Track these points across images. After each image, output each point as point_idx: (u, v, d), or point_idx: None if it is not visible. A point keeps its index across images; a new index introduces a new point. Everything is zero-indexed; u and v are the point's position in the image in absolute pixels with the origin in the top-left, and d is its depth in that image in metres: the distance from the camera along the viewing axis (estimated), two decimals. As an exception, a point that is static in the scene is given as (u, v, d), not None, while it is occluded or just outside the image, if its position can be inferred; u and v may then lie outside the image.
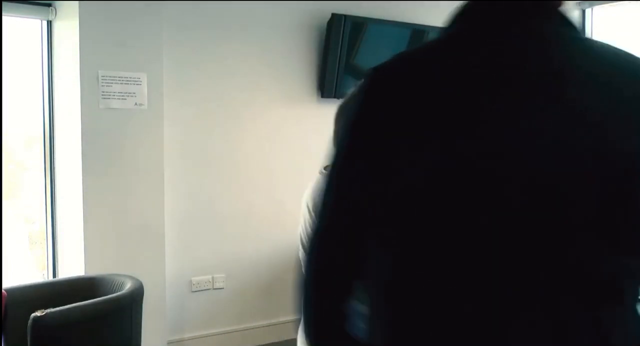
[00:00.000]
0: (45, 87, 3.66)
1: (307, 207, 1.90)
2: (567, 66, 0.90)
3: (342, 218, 0.97)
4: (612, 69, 0.93)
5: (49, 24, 3.65)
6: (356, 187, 0.94)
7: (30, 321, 2.46)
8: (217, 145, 4.14)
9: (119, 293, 2.85)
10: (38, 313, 2.47)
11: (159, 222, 3.71)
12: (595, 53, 0.95)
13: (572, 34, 0.95)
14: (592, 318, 0.85)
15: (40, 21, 3.64)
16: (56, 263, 3.72)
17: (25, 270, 3.94)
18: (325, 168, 1.79)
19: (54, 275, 3.71)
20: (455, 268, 0.87)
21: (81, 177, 3.46)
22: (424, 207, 0.88)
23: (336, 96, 4.47)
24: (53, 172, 3.70)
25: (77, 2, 3.43)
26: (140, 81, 3.59)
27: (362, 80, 0.99)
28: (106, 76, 3.50)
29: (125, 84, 3.54)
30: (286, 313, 4.11)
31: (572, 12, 4.76)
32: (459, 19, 1.05)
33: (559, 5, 0.96)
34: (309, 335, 1.02)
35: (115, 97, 3.52)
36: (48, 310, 2.50)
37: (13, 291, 2.89)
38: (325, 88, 4.43)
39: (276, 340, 4.14)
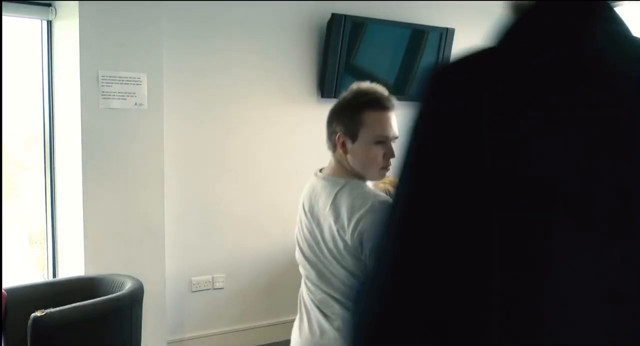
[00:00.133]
0: (45, 87, 3.66)
1: (303, 207, 1.87)
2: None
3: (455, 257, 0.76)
4: None
5: (49, 24, 3.65)
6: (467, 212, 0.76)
7: (30, 321, 2.46)
8: (217, 145, 4.14)
9: (119, 293, 2.85)
10: (38, 313, 2.47)
11: (159, 222, 3.71)
12: None
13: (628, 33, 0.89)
14: None
15: (40, 21, 3.64)
16: (56, 263, 3.72)
17: (25, 270, 3.94)
18: (341, 182, 1.75)
19: (54, 275, 3.71)
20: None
21: (81, 177, 3.46)
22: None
23: (336, 96, 4.45)
24: (53, 172, 3.70)
25: (77, 2, 3.43)
26: (140, 81, 3.59)
27: (429, 84, 0.87)
28: (106, 76, 3.50)
29: (125, 84, 3.54)
30: (286, 313, 4.11)
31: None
32: (523, 21, 0.94)
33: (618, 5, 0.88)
34: None
35: (115, 97, 3.52)
36: (48, 310, 2.50)
37: (13, 291, 2.89)
38: (325, 88, 4.43)
39: (276, 340, 4.14)
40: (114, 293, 2.89)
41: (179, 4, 3.92)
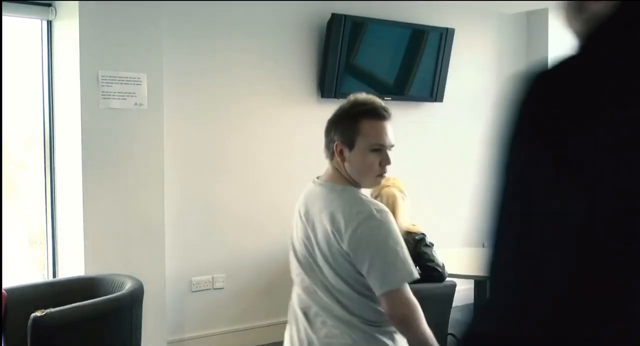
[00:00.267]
0: (45, 87, 3.65)
1: (299, 213, 1.90)
2: None
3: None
4: None
5: (49, 24, 3.65)
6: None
7: (30, 321, 2.46)
8: (217, 145, 4.14)
9: (119, 293, 2.85)
10: (38, 313, 2.47)
11: (159, 222, 3.71)
12: None
13: None
14: None
15: (40, 21, 3.64)
16: (56, 263, 3.72)
17: (25, 270, 3.94)
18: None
19: (54, 275, 3.71)
20: None
21: (81, 177, 3.46)
22: None
23: (336, 96, 4.47)
24: (53, 172, 3.70)
25: (77, 2, 3.43)
26: (140, 81, 3.59)
27: (526, 89, 0.83)
28: (106, 76, 3.49)
29: (125, 84, 3.54)
30: (286, 313, 4.11)
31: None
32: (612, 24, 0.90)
33: None
34: None
35: (115, 97, 3.52)
36: (48, 310, 2.50)
37: (13, 291, 2.88)
38: (325, 88, 4.43)
39: (276, 340, 4.12)
40: (114, 293, 2.89)
41: (179, 4, 3.92)
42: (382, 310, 1.75)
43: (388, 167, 1.83)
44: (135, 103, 3.59)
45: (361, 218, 1.71)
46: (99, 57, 3.48)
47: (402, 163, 4.89)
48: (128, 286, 2.91)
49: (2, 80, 3.16)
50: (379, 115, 1.81)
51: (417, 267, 3.22)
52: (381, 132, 1.81)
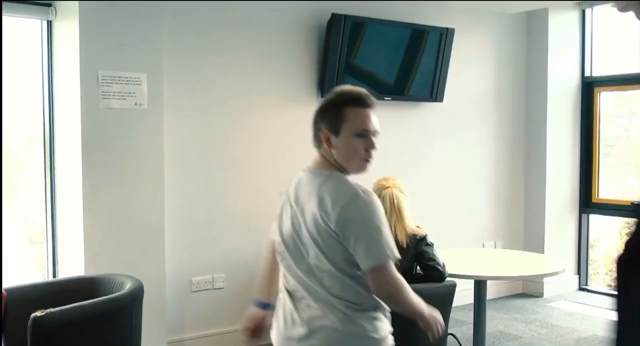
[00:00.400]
0: (45, 87, 3.65)
1: (289, 199, 1.97)
2: None
3: None
4: None
5: (49, 24, 3.65)
6: None
7: (30, 321, 2.46)
8: (217, 145, 4.14)
9: (119, 293, 2.85)
10: (38, 313, 2.47)
11: (159, 222, 3.71)
12: None
13: None
14: None
15: (40, 21, 3.64)
16: (56, 263, 3.72)
17: (25, 270, 3.94)
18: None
19: (54, 275, 3.71)
20: None
21: (81, 177, 3.46)
22: None
23: (336, 96, 4.47)
24: (53, 172, 3.70)
25: (77, 2, 3.43)
26: (140, 81, 3.59)
27: None
28: (106, 76, 3.49)
29: (125, 84, 3.54)
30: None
31: (572, 12, 4.74)
32: None
33: None
34: None
35: (115, 97, 3.52)
36: (48, 310, 2.50)
37: (13, 291, 2.88)
38: (325, 88, 4.42)
39: (276, 340, 4.13)
40: (114, 293, 2.89)
41: (179, 4, 3.92)
42: (365, 292, 1.83)
43: (374, 153, 1.93)
44: (135, 103, 3.59)
45: (347, 198, 1.80)
46: (99, 57, 3.48)
47: (402, 163, 4.93)
48: (128, 286, 2.91)
49: (2, 80, 3.16)
50: (363, 102, 1.91)
51: (418, 266, 3.24)
52: (365, 119, 1.91)
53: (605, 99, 5.68)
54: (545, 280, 5.45)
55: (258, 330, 2.09)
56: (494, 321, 4.83)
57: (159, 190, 3.70)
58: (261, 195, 4.24)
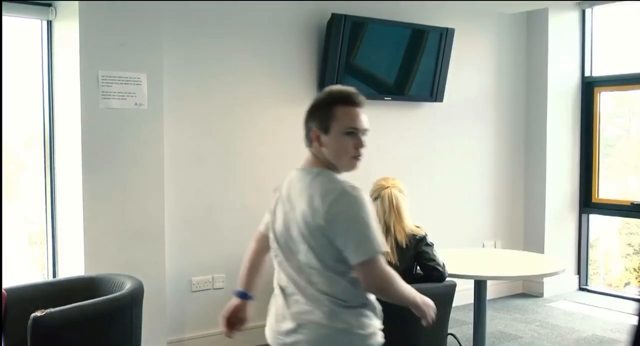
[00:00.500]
0: (45, 87, 3.65)
1: (282, 196, 2.02)
2: None
3: None
4: None
5: (49, 24, 3.65)
6: None
7: (30, 321, 2.46)
8: (217, 145, 4.14)
9: (119, 293, 2.85)
10: (38, 313, 2.47)
11: (159, 222, 3.71)
12: None
13: None
14: None
15: (40, 21, 3.64)
16: (56, 263, 3.72)
17: (25, 270, 3.94)
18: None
19: (54, 275, 3.71)
20: None
21: (81, 177, 3.46)
22: None
23: (336, 96, 4.46)
24: (53, 172, 3.70)
25: (77, 2, 3.43)
26: (140, 81, 3.59)
27: None
28: (106, 76, 3.49)
29: (125, 84, 3.54)
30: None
31: (572, 12, 4.75)
32: None
33: None
34: None
35: (115, 97, 3.52)
36: (48, 310, 2.50)
37: (13, 291, 2.88)
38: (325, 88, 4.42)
39: (276, 340, 4.13)
40: (114, 293, 2.89)
41: (179, 4, 3.92)
42: (353, 289, 1.86)
43: (363, 151, 1.94)
44: (135, 103, 3.59)
45: (335, 194, 1.84)
46: (99, 57, 3.48)
47: (402, 163, 4.93)
48: (128, 286, 2.91)
49: (2, 80, 3.16)
50: (351, 101, 1.94)
51: (418, 266, 3.24)
52: (354, 117, 1.93)
53: (605, 99, 5.68)
54: (545, 280, 5.45)
55: (236, 320, 2.19)
56: (494, 321, 4.83)
57: (159, 190, 3.70)
58: (261, 195, 4.23)
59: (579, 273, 5.76)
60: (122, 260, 3.52)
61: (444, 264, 3.18)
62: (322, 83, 4.43)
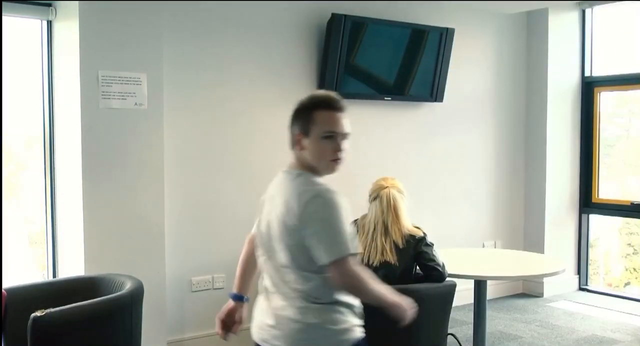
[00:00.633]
0: (45, 87, 3.65)
1: (268, 198, 2.13)
2: None
3: None
4: None
5: (49, 24, 3.65)
6: None
7: (30, 321, 2.46)
8: (217, 145, 4.14)
9: (119, 293, 2.85)
10: (38, 313, 2.47)
11: (159, 222, 3.71)
12: None
13: None
14: None
15: (40, 21, 3.64)
16: (56, 263, 3.72)
17: (25, 270, 3.94)
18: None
19: (54, 275, 3.71)
20: None
21: (81, 177, 3.46)
22: None
23: (336, 96, 4.46)
24: (53, 172, 3.70)
25: (77, 2, 3.43)
26: (140, 81, 3.59)
27: None
28: (106, 76, 3.49)
29: (125, 84, 3.54)
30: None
31: (572, 12, 4.75)
32: None
33: None
34: None
35: (115, 97, 3.52)
36: (48, 310, 2.50)
37: (13, 291, 2.89)
38: (325, 88, 4.39)
39: (276, 340, 4.13)
40: (114, 293, 2.89)
41: (179, 4, 3.92)
42: (325, 287, 1.91)
43: (342, 154, 1.99)
44: (135, 103, 3.59)
45: (310, 195, 1.90)
46: (99, 57, 3.48)
47: (402, 163, 4.92)
48: (128, 286, 2.91)
49: (2, 80, 3.16)
50: (331, 106, 2.01)
51: (418, 267, 3.24)
52: (333, 121, 1.99)
53: (605, 99, 5.68)
54: (545, 280, 5.45)
55: (231, 322, 2.22)
56: (494, 321, 4.83)
57: (159, 190, 3.70)
58: (261, 195, 4.23)
59: (579, 273, 5.76)
60: (122, 260, 3.52)
61: (443, 264, 3.18)
62: (322, 83, 4.43)
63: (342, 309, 1.96)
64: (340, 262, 1.86)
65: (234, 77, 4.18)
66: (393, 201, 3.18)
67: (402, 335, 3.05)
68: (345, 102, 2.04)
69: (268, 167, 4.28)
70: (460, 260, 3.79)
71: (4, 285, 2.75)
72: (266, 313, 2.04)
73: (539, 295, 5.55)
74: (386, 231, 3.14)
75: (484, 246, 5.47)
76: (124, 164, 3.58)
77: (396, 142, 4.91)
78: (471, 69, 5.34)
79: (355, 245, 1.91)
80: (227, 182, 4.17)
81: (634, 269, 6.00)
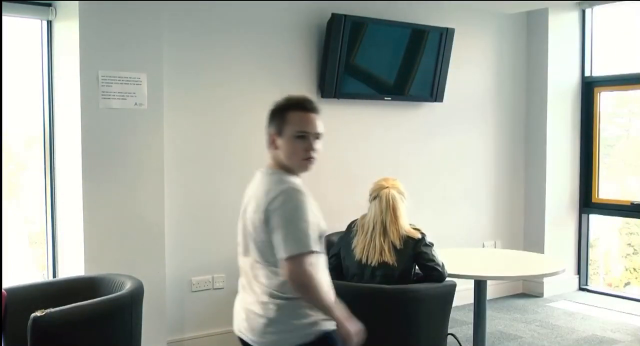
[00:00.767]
0: (45, 87, 3.65)
1: (246, 198, 2.16)
2: None
3: None
4: None
5: (49, 24, 3.65)
6: None
7: (30, 321, 2.46)
8: (217, 145, 4.14)
9: (119, 293, 2.85)
10: (38, 313, 2.47)
11: (159, 222, 3.71)
12: None
13: None
14: None
15: (40, 21, 3.64)
16: (56, 263, 3.72)
17: (25, 270, 3.94)
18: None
19: (54, 275, 3.71)
20: None
21: (81, 177, 3.46)
22: None
23: (336, 96, 4.47)
24: (53, 172, 3.70)
25: (77, 2, 3.43)
26: (140, 81, 3.59)
27: None
28: (106, 76, 3.50)
29: (125, 84, 3.54)
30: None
31: (572, 12, 4.75)
32: None
33: None
34: None
35: (115, 97, 3.52)
36: (48, 310, 2.50)
37: (13, 291, 2.89)
38: (325, 88, 4.43)
39: (276, 340, 4.13)
40: (114, 293, 2.89)
41: (179, 4, 3.92)
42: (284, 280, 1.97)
43: (314, 154, 2.06)
44: (135, 103, 3.59)
45: (277, 192, 1.98)
46: (99, 57, 3.48)
47: (401, 163, 4.92)
48: (128, 286, 2.91)
49: (2, 80, 3.16)
50: (304, 107, 2.08)
51: (417, 267, 3.24)
52: (306, 121, 2.06)
53: (605, 99, 5.68)
54: (545, 280, 5.45)
55: None
56: (494, 321, 4.83)
57: (159, 190, 3.70)
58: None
59: (579, 273, 5.76)
60: (122, 260, 3.52)
61: (443, 264, 3.18)
62: (322, 83, 4.43)
63: (286, 302, 2.00)
64: (295, 259, 1.91)
65: (234, 77, 4.18)
66: (392, 201, 3.18)
67: (402, 335, 3.05)
68: (319, 105, 2.10)
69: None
70: (460, 260, 3.79)
71: (4, 285, 2.75)
72: (240, 307, 2.14)
73: (539, 295, 5.56)
74: (385, 231, 3.14)
75: (484, 246, 5.47)
76: (124, 164, 3.58)
77: (396, 142, 4.91)
78: (471, 69, 5.34)
79: (309, 243, 1.93)
80: (227, 182, 4.17)
81: (634, 269, 6.00)
